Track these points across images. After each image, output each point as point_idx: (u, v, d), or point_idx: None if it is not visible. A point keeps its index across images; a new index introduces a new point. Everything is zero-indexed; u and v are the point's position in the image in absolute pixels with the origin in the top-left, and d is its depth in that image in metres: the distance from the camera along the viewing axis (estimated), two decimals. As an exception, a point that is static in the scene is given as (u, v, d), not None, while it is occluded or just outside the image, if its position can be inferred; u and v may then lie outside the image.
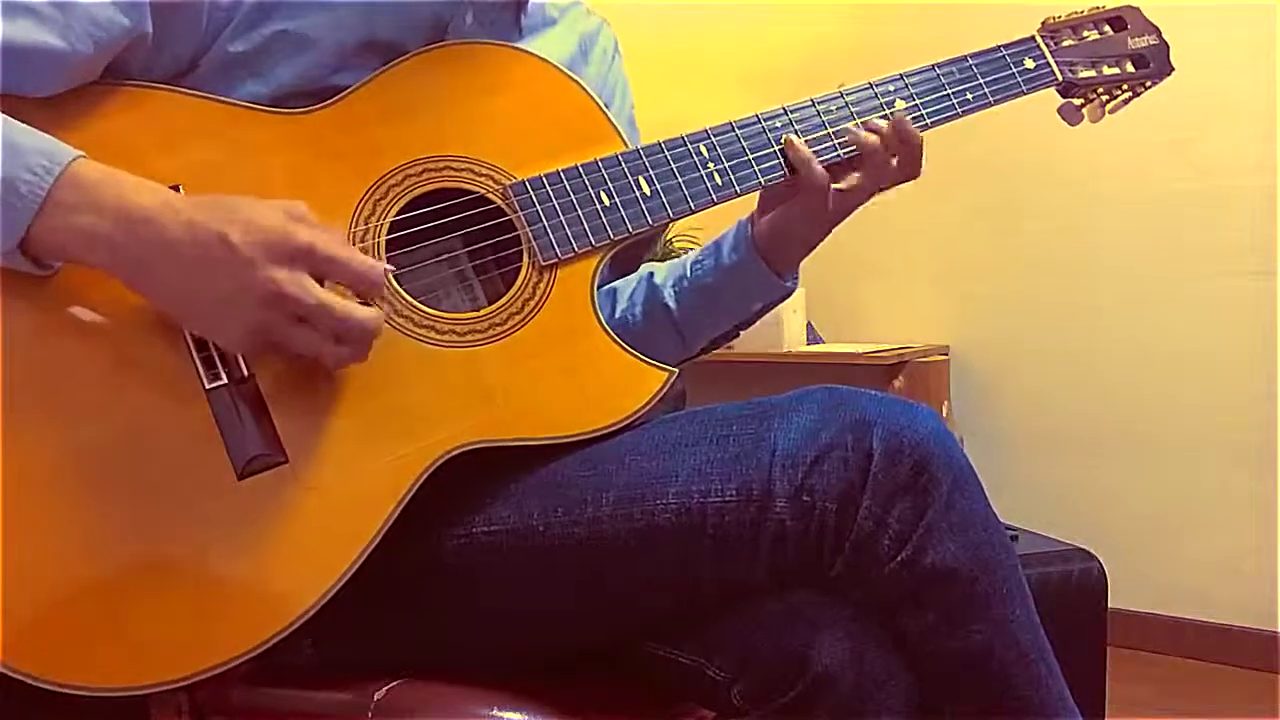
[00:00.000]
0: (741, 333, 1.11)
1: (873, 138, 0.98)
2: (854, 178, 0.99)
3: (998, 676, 0.77)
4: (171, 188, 0.77)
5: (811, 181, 0.97)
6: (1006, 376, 2.75)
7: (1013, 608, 0.77)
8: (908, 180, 1.00)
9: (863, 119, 0.99)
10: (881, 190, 1.00)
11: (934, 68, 1.04)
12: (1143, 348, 2.54)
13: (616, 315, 1.09)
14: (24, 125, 0.73)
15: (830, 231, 1.02)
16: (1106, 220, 2.58)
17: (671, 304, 1.06)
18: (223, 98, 0.84)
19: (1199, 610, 2.47)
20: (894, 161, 0.99)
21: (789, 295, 1.07)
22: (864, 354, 2.62)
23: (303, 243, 0.73)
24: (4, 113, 0.73)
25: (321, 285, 0.75)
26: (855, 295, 2.82)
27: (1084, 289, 2.62)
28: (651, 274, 1.10)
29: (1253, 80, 2.35)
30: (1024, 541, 1.79)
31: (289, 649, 0.85)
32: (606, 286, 1.11)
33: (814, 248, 1.04)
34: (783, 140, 0.97)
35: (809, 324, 2.76)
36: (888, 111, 1.00)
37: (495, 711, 0.80)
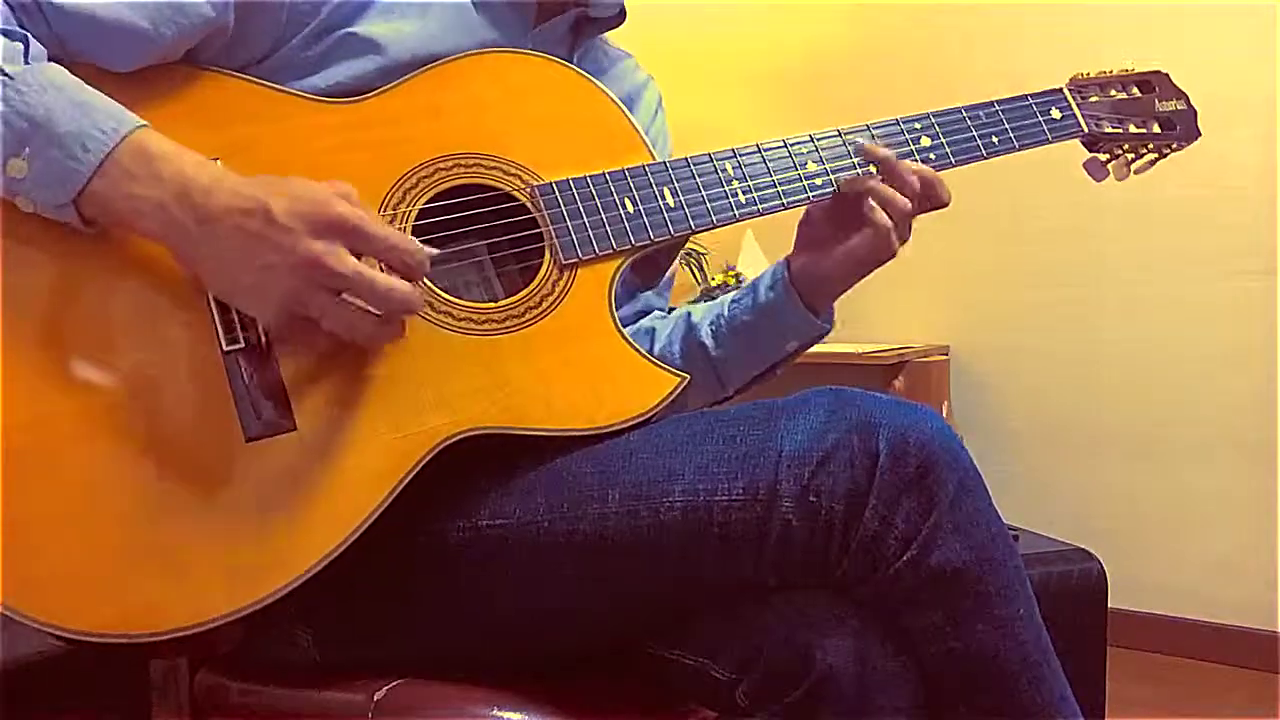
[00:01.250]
0: (779, 372, 1.11)
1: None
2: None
3: (1001, 676, 0.77)
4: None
5: (883, 226, 0.97)
6: (1006, 376, 2.75)
7: (1016, 607, 0.78)
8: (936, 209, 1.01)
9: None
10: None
11: (961, 110, 1.06)
12: (1143, 347, 2.54)
13: (655, 353, 1.09)
14: (92, 88, 0.77)
15: (867, 274, 1.03)
16: (1106, 220, 2.58)
17: (709, 342, 1.07)
18: (269, 83, 0.86)
19: (1199, 610, 2.47)
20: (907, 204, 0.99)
21: (824, 335, 1.07)
22: (864, 354, 2.62)
23: (338, 214, 0.75)
24: (69, 73, 0.77)
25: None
26: (855, 295, 2.81)
27: (1084, 289, 2.62)
28: (689, 314, 1.11)
29: (1253, 81, 2.35)
30: (1024, 541, 1.79)
31: (289, 646, 0.86)
32: (645, 325, 1.12)
33: (849, 287, 1.04)
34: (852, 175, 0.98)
35: (809, 324, 2.75)
36: (913, 148, 1.02)
37: (495, 711, 0.80)
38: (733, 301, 1.08)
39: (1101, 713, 1.67)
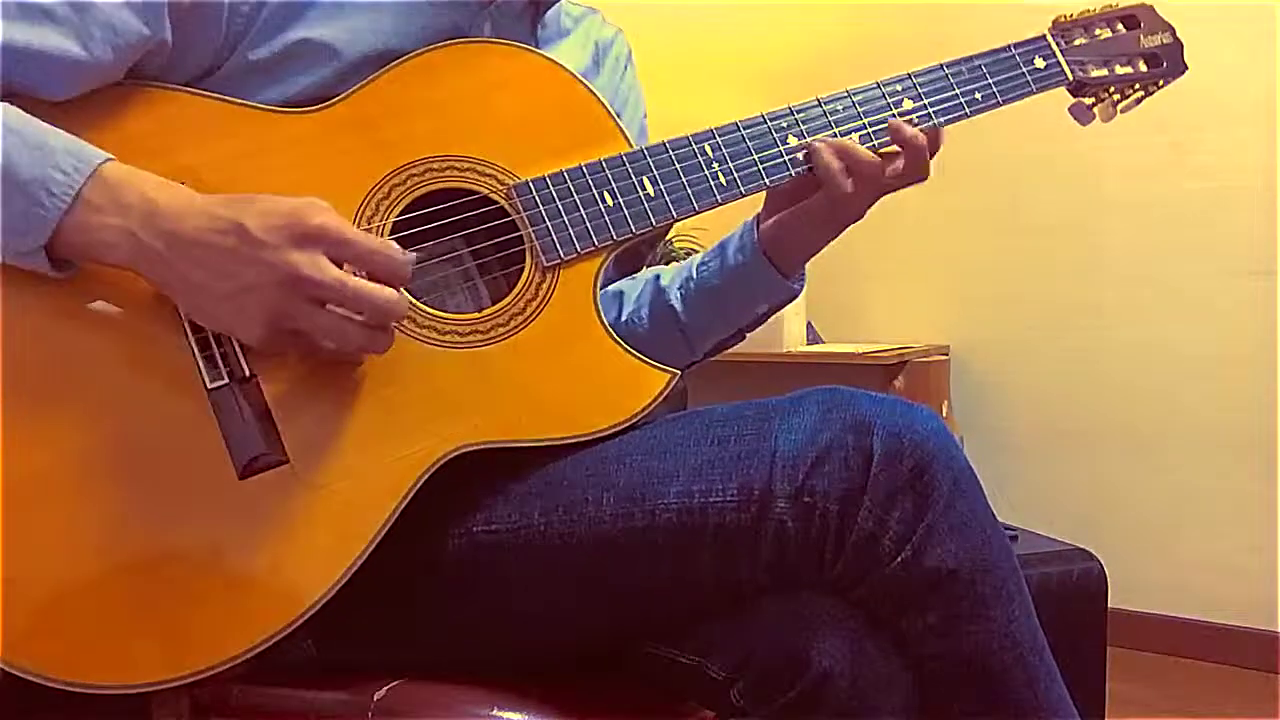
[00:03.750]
0: (747, 335, 1.10)
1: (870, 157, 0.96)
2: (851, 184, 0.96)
3: (997, 677, 0.77)
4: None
5: (836, 191, 0.95)
6: (1006, 376, 2.75)
7: (1012, 608, 0.77)
8: (914, 183, 0.99)
9: (873, 124, 0.98)
10: (889, 191, 0.99)
11: (942, 67, 1.02)
12: (1143, 347, 2.54)
13: (623, 319, 1.08)
14: (51, 126, 0.75)
15: (837, 235, 1.01)
16: (1106, 220, 2.58)
17: (678, 306, 1.06)
18: (231, 98, 0.84)
19: (1199, 610, 2.47)
20: (899, 165, 0.97)
21: (795, 297, 1.06)
22: (864, 354, 2.62)
23: (316, 224, 0.74)
24: (24, 113, 0.75)
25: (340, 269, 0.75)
26: (855, 295, 2.82)
27: (1084, 289, 2.62)
28: (658, 276, 1.09)
29: (1253, 80, 2.35)
30: (1024, 541, 1.79)
31: (289, 648, 0.86)
32: (612, 289, 1.11)
33: (819, 250, 1.03)
34: (810, 144, 0.96)
35: (809, 324, 2.76)
36: (895, 111, 0.99)
37: (495, 711, 0.80)
38: (700, 264, 1.06)
39: (1101, 713, 1.67)
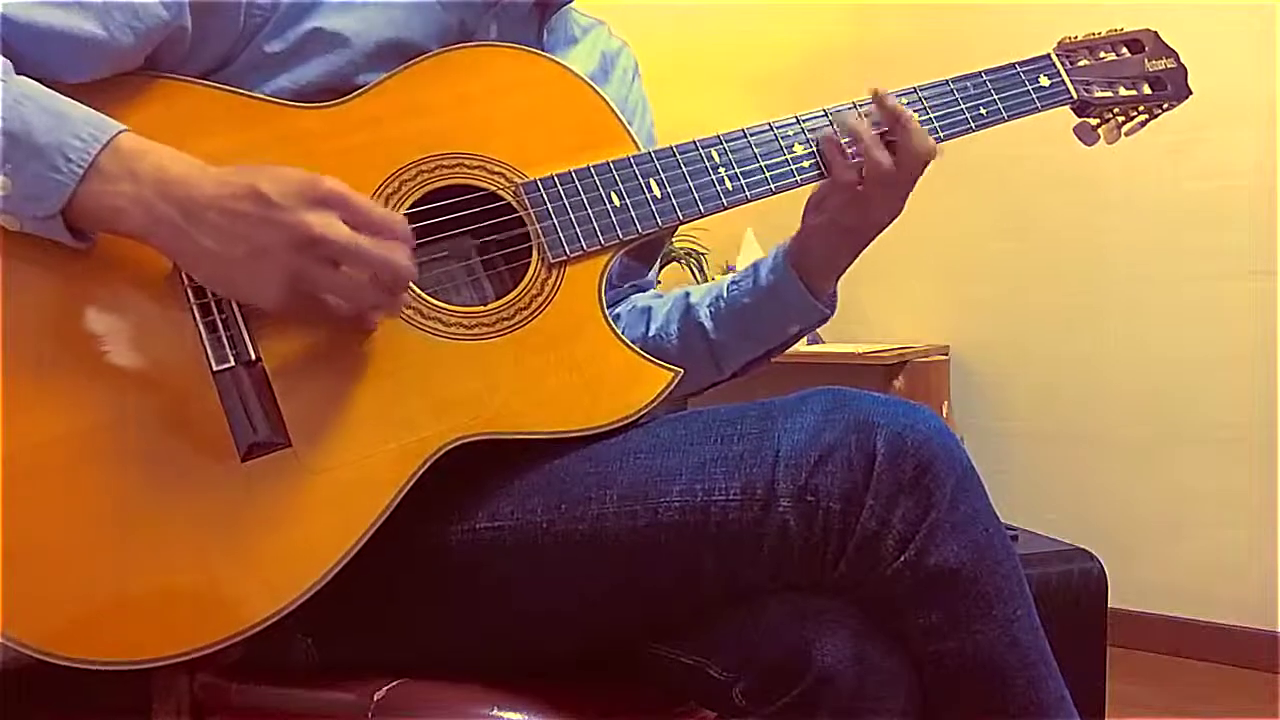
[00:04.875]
0: (773, 359, 1.10)
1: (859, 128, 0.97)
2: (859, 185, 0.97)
3: (999, 677, 0.77)
4: None
5: (842, 178, 0.96)
6: (1006, 376, 2.75)
7: (1014, 608, 0.78)
8: (920, 167, 0.98)
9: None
10: (906, 186, 0.99)
11: (948, 82, 1.04)
12: (1143, 347, 2.54)
13: (650, 335, 1.09)
14: (70, 99, 0.76)
15: (862, 249, 1.02)
16: (1107, 220, 2.58)
17: (708, 324, 1.06)
18: (245, 91, 0.85)
19: (1199, 610, 2.48)
20: (888, 158, 0.97)
21: (825, 320, 1.06)
22: (864, 354, 2.62)
23: (329, 187, 0.75)
24: (44, 86, 0.76)
25: None
26: (855, 295, 2.81)
27: (1084, 289, 2.62)
28: (687, 294, 1.10)
29: (1253, 80, 2.35)
30: (1024, 541, 1.80)
31: (289, 648, 0.86)
32: (640, 305, 1.12)
33: (845, 262, 1.03)
34: (820, 139, 0.97)
35: (809, 324, 2.75)
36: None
37: (495, 711, 0.80)
38: (732, 283, 1.07)
39: (1101, 713, 1.67)
